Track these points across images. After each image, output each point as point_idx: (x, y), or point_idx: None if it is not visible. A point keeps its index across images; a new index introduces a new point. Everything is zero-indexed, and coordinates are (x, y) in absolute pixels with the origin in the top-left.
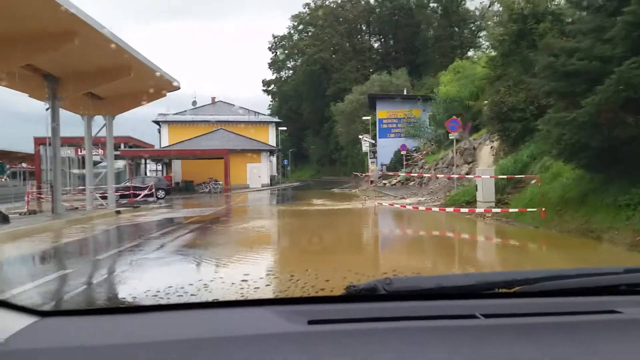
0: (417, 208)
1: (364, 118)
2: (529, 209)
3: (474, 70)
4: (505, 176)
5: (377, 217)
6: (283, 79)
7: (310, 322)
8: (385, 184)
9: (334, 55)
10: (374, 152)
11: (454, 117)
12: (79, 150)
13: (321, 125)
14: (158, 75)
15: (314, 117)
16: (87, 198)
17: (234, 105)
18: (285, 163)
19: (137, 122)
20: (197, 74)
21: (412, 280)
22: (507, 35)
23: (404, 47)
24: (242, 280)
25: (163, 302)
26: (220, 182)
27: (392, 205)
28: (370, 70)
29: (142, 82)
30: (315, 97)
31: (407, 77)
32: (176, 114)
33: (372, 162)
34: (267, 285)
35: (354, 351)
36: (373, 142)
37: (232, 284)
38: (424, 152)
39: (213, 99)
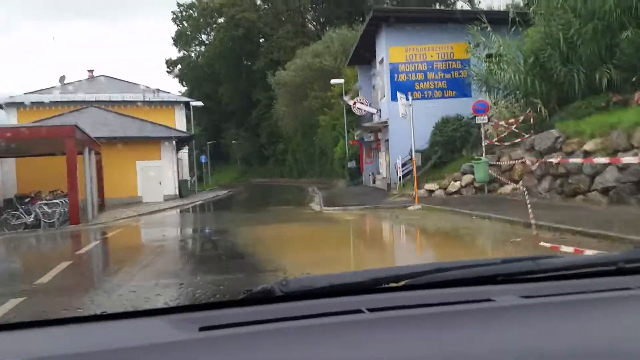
0: None
1: (335, 81)
2: None
3: None
4: None
5: None
6: (193, 56)
7: (202, 329)
8: (432, 192)
9: (261, 18)
10: (377, 132)
11: None
12: None
13: (247, 113)
14: None
15: (237, 103)
16: None
17: (121, 80)
18: (203, 160)
19: None
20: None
21: (306, 280)
22: None
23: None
24: (131, 291)
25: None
26: (62, 200)
27: None
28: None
29: None
30: (237, 76)
31: None
32: (34, 92)
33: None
34: (157, 295)
35: (243, 354)
36: (408, 102)
37: (120, 295)
38: (520, 118)
39: (91, 72)
